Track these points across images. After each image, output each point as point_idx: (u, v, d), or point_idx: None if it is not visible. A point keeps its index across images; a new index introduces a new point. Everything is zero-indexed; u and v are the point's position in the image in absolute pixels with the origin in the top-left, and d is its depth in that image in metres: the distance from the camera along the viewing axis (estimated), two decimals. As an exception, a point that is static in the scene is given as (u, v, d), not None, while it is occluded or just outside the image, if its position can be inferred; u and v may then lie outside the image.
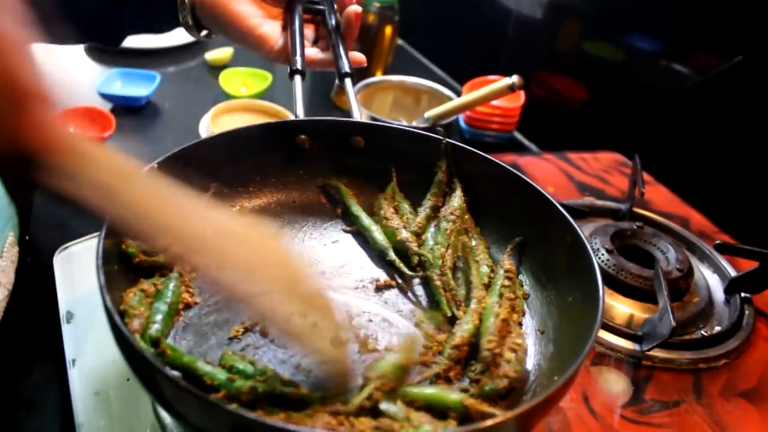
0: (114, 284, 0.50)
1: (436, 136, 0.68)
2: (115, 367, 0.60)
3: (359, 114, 0.71)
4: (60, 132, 0.42)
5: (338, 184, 0.70)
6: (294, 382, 0.47)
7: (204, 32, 0.79)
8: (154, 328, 0.49)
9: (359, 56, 0.77)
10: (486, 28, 1.46)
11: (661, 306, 0.69)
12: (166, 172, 0.58)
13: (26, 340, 0.67)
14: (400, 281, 0.62)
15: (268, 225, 0.55)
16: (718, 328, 0.73)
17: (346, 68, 0.73)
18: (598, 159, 1.09)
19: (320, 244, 0.66)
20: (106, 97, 1.16)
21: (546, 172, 1.03)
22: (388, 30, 1.32)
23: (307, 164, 0.71)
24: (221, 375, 0.45)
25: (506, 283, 0.59)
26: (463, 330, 0.54)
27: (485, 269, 0.62)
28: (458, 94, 1.17)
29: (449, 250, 0.63)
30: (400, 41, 1.61)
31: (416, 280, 0.63)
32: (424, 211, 0.67)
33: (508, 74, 0.96)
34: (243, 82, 1.28)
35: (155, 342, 0.47)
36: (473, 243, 0.65)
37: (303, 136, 0.69)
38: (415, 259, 0.63)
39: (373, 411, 0.45)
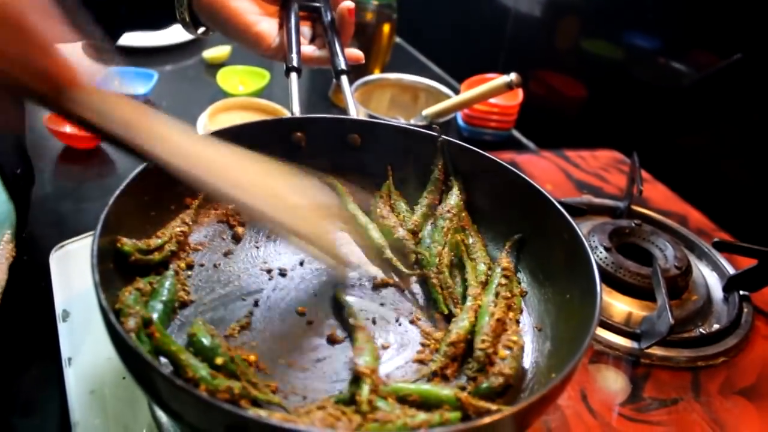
0: (109, 283, 0.49)
1: (432, 133, 0.68)
2: (111, 365, 0.60)
3: (356, 111, 0.71)
4: (84, 73, 0.47)
5: (334, 181, 0.70)
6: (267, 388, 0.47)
7: (201, 29, 0.79)
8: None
9: (356, 53, 0.76)
10: (484, 26, 1.46)
11: (660, 304, 0.68)
12: (162, 170, 0.58)
13: (23, 339, 0.66)
14: (397, 279, 0.62)
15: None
16: (716, 326, 0.73)
17: (342, 65, 0.73)
18: (596, 157, 1.09)
19: (317, 242, 0.66)
20: (103, 95, 1.15)
21: (544, 170, 1.03)
22: (386, 28, 1.32)
23: (303, 162, 0.70)
24: (203, 370, 0.45)
25: (503, 281, 0.59)
26: (458, 327, 0.54)
27: (482, 267, 0.62)
28: (456, 92, 1.17)
29: (446, 248, 0.63)
30: (398, 39, 1.60)
31: (414, 279, 0.62)
32: (420, 209, 0.67)
33: (507, 72, 0.95)
34: (241, 81, 1.28)
35: (147, 322, 0.47)
36: (470, 241, 0.65)
37: (299, 134, 0.69)
38: (413, 258, 0.63)
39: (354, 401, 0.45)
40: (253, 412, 0.42)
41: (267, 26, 0.76)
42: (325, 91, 1.33)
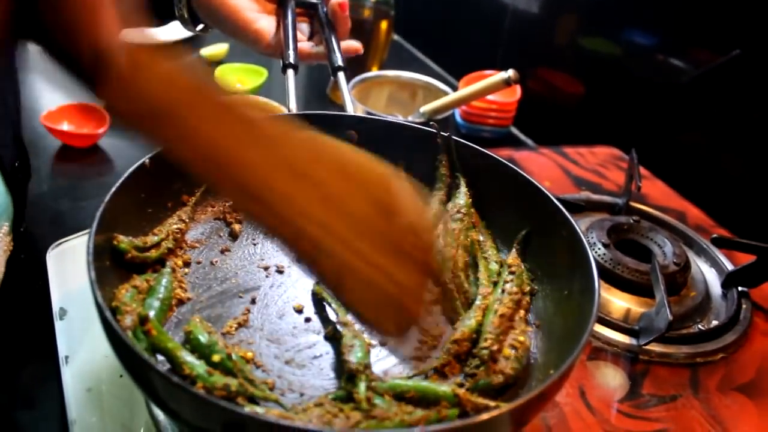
0: (106, 280, 0.49)
1: (430, 129, 0.68)
2: (108, 363, 0.59)
3: (353, 108, 0.71)
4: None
5: None
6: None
7: (200, 27, 0.79)
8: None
9: (354, 44, 0.76)
10: (482, 23, 1.46)
11: (658, 300, 0.68)
12: (158, 167, 0.58)
13: (21, 336, 0.66)
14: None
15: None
16: (715, 323, 0.73)
17: (339, 62, 0.73)
18: (594, 153, 1.09)
19: (315, 240, 0.66)
20: (100, 93, 1.15)
21: (542, 167, 1.03)
22: (384, 25, 1.32)
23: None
24: (200, 367, 0.45)
25: (509, 278, 0.58)
26: (464, 326, 0.53)
27: (494, 266, 0.61)
28: (454, 89, 1.17)
29: (459, 251, 0.62)
30: (395, 36, 1.60)
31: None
32: (432, 208, 0.67)
33: (505, 69, 0.95)
34: (238, 78, 1.28)
35: (143, 319, 0.47)
36: (480, 238, 0.65)
37: (297, 131, 0.69)
38: None
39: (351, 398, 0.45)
40: (250, 410, 0.42)
41: (265, 24, 0.75)
42: (322, 89, 1.32)
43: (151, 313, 0.49)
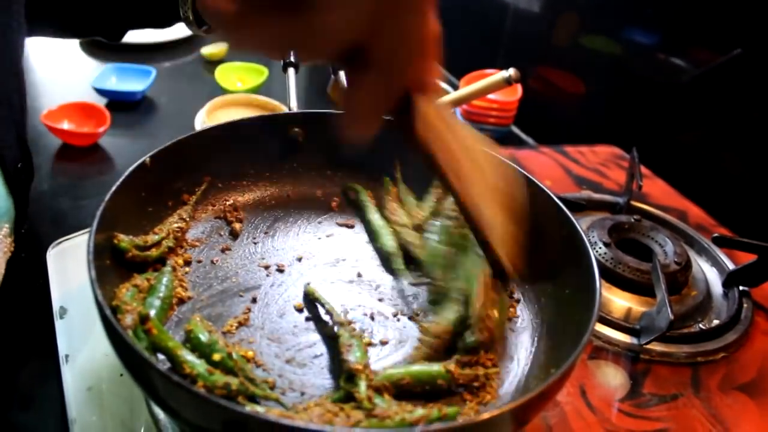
0: (106, 279, 0.49)
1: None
2: (108, 362, 0.59)
3: (354, 107, 0.70)
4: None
5: (358, 186, 0.70)
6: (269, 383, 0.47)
7: (204, 27, 0.79)
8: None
9: None
10: (483, 22, 1.46)
11: (659, 299, 0.68)
12: (159, 166, 0.58)
13: (21, 335, 0.66)
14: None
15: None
16: (716, 322, 0.73)
17: (341, 61, 0.73)
18: (595, 152, 1.09)
19: (315, 238, 0.66)
20: (101, 92, 1.15)
21: (543, 166, 1.02)
22: (385, 24, 1.32)
23: (301, 157, 0.70)
24: (201, 366, 0.45)
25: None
26: (446, 318, 0.54)
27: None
28: (455, 88, 1.16)
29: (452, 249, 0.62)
30: (396, 35, 1.60)
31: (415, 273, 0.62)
32: (428, 204, 0.66)
33: (506, 68, 0.95)
34: (239, 77, 1.28)
35: (144, 318, 0.46)
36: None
37: (297, 129, 0.69)
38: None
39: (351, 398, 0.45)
40: (250, 409, 0.42)
41: None
42: (323, 88, 1.32)
43: (152, 312, 0.49)
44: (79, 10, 0.82)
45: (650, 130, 1.11)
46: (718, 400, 0.64)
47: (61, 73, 1.28)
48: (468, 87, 1.04)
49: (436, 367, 0.48)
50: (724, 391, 0.65)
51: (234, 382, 0.44)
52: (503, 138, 1.23)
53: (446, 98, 1.06)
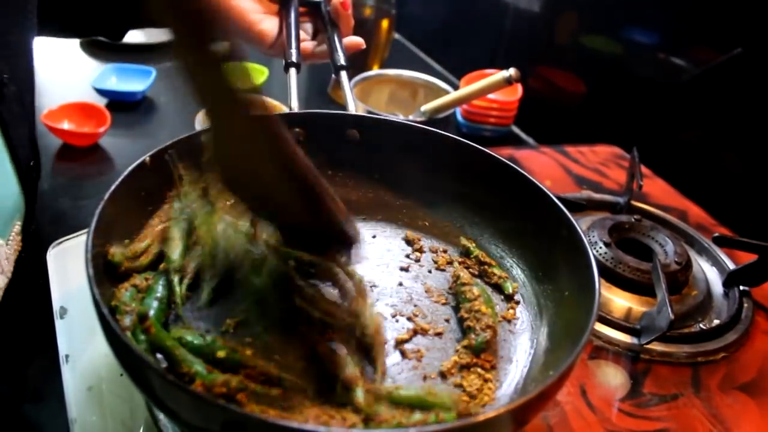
0: (105, 278, 0.49)
1: (433, 129, 0.68)
2: (108, 362, 0.59)
3: (355, 107, 0.71)
4: None
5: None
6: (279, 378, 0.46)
7: None
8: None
9: (356, 40, 0.76)
10: (483, 21, 1.46)
11: (660, 299, 0.68)
12: (158, 166, 0.58)
13: (26, 334, 0.67)
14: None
15: None
16: (716, 322, 0.73)
17: (342, 61, 0.73)
18: (595, 152, 1.09)
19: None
20: (101, 92, 1.15)
21: (543, 166, 1.02)
22: (385, 24, 1.32)
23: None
24: (199, 365, 0.44)
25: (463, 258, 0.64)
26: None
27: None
28: (455, 88, 1.16)
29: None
30: (396, 35, 1.60)
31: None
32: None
33: (506, 68, 0.95)
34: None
35: (143, 317, 0.46)
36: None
37: (297, 129, 0.68)
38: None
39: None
40: (248, 409, 0.42)
41: (269, 25, 0.76)
42: (323, 88, 1.32)
43: (151, 312, 0.49)
44: (81, 10, 0.82)
45: (650, 129, 1.11)
46: (719, 400, 0.64)
47: (62, 73, 1.28)
48: (468, 87, 1.04)
49: (440, 394, 0.46)
50: (724, 391, 0.65)
51: (234, 379, 0.44)
52: (503, 138, 1.23)
53: (446, 98, 1.06)
